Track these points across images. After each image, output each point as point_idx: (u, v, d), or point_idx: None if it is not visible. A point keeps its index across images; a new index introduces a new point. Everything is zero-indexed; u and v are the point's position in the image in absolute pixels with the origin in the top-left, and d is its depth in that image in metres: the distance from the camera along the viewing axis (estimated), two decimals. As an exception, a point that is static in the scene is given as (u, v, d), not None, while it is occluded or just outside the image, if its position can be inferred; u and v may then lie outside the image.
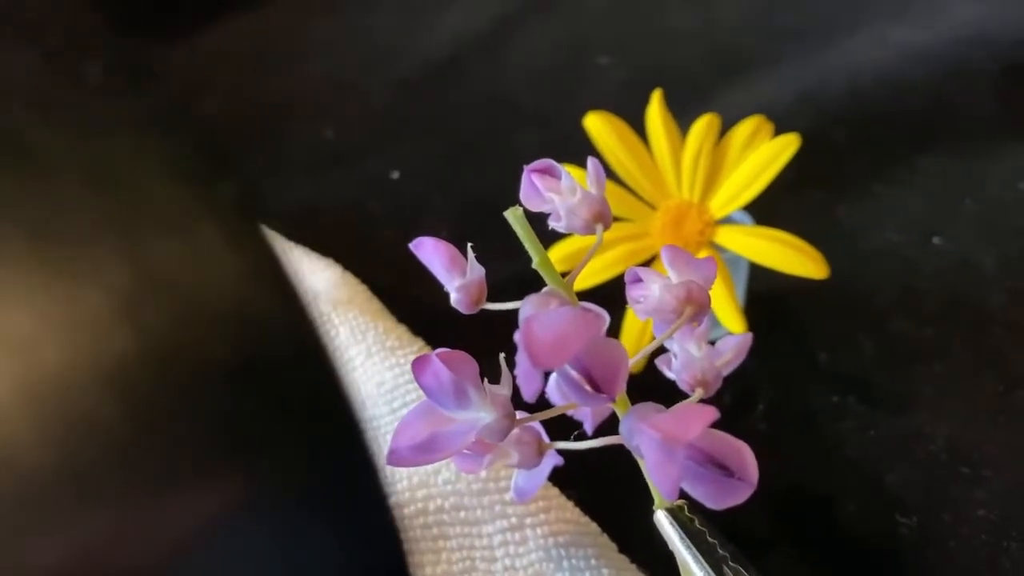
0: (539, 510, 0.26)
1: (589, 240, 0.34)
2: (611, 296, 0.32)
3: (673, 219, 0.33)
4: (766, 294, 0.37)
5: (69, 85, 0.12)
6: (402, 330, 0.33)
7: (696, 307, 0.22)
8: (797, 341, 0.37)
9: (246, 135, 0.52)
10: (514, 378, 0.20)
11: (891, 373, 0.35)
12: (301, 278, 0.36)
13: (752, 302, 0.37)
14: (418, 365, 0.20)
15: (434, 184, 0.47)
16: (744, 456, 0.19)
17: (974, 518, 0.30)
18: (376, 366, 0.31)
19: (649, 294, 0.23)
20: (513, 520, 0.26)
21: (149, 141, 0.12)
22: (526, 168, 0.24)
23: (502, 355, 0.21)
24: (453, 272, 0.23)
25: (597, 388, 0.18)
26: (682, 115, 0.49)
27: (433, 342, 0.35)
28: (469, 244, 0.23)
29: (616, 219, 0.34)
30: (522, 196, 0.24)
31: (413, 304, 0.38)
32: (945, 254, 0.40)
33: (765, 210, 0.35)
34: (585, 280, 0.34)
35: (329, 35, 0.59)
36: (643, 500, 0.23)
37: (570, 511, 0.27)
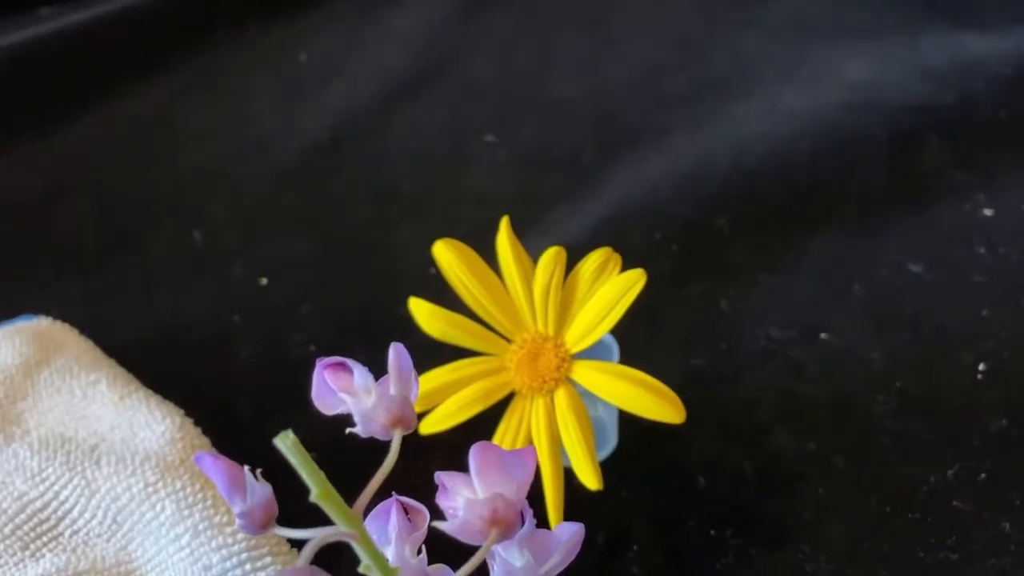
0: None
1: (453, 374, 0.32)
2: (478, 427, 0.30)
3: (529, 353, 0.31)
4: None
5: None
6: (235, 499, 0.30)
7: (502, 528, 0.20)
8: (675, 464, 0.35)
9: (113, 240, 0.49)
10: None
11: (772, 497, 0.33)
12: (135, 432, 0.33)
13: (627, 421, 0.35)
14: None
15: (305, 291, 0.44)
16: None
17: (856, 673, 0.28)
18: (203, 547, 0.28)
19: (456, 508, 0.21)
20: None
21: None
22: (318, 363, 0.22)
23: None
24: (234, 496, 0.20)
25: None
26: (566, 197, 0.47)
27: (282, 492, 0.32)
28: (247, 467, 0.21)
29: (473, 353, 0.32)
30: (314, 395, 0.22)
31: (267, 446, 0.35)
32: (831, 352, 0.38)
33: (643, 307, 0.33)
34: (440, 423, 0.32)
35: (202, 125, 0.56)
36: None
37: None
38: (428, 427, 0.32)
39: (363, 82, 0.59)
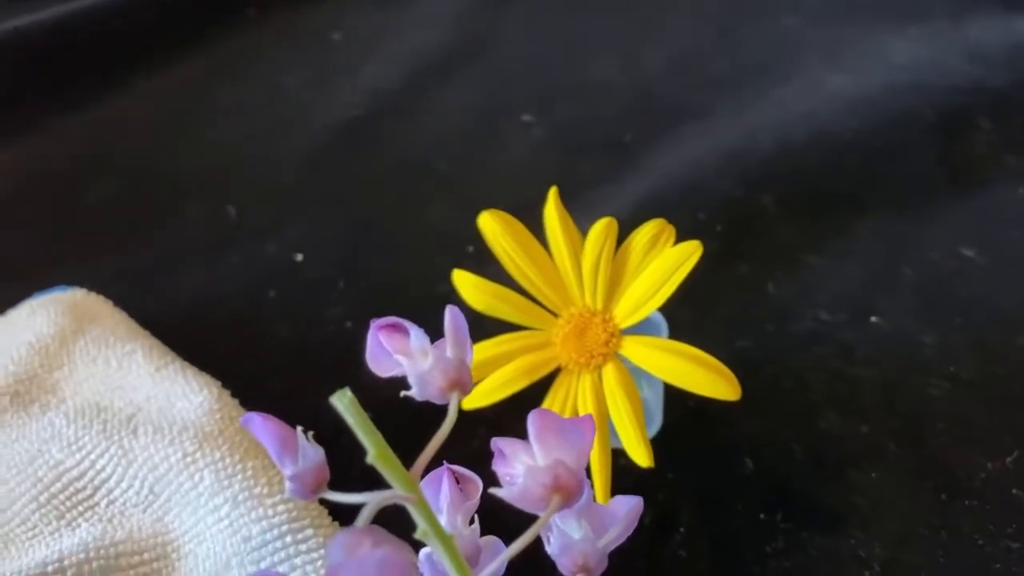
0: None
1: (497, 348, 0.31)
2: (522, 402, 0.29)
3: (576, 328, 0.30)
4: (687, 392, 0.34)
5: None
6: (275, 471, 0.29)
7: (564, 496, 0.19)
8: (721, 446, 0.34)
9: (145, 215, 0.48)
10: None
11: (823, 482, 0.32)
12: (172, 403, 0.32)
13: (673, 400, 0.34)
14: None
15: (340, 268, 0.43)
16: None
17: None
18: (243, 517, 0.28)
19: (514, 476, 0.20)
20: None
21: None
22: (373, 325, 0.21)
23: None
24: (284, 457, 0.20)
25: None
26: (607, 178, 0.46)
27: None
28: (299, 428, 0.20)
29: (518, 327, 0.31)
30: (368, 358, 0.21)
31: (309, 415, 0.34)
32: (881, 336, 0.37)
33: (687, 288, 0.32)
34: (483, 398, 0.31)
35: (235, 101, 0.56)
36: None
37: None
38: (470, 402, 0.31)
39: (396, 61, 0.58)
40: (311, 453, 0.20)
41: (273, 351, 0.40)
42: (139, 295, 0.42)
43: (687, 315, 0.35)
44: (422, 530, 0.19)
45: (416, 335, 0.20)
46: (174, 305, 0.42)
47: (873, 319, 0.38)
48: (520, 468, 0.20)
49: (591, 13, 0.60)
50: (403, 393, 0.21)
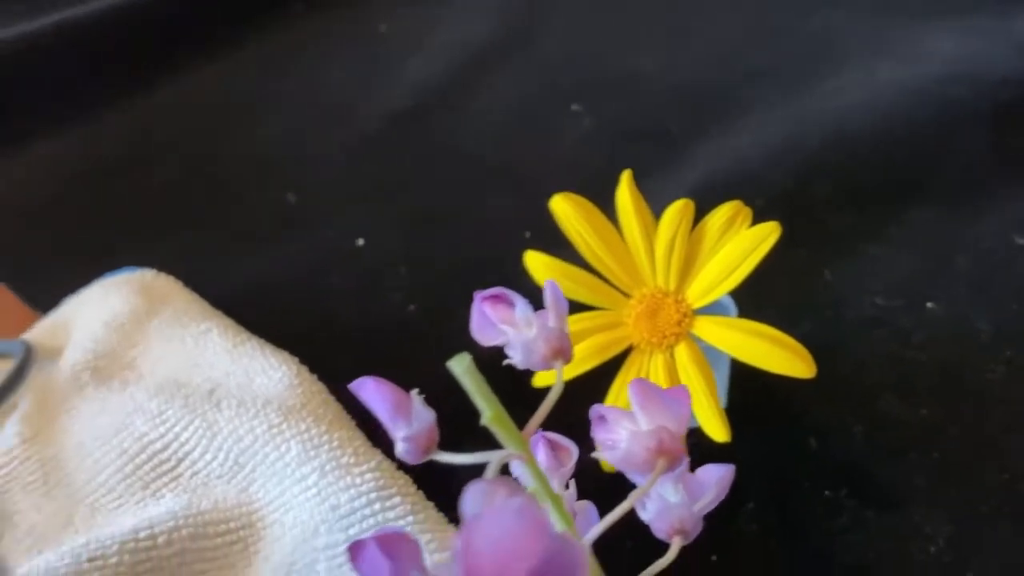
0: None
1: (574, 326, 0.32)
2: (586, 384, 0.30)
3: (648, 309, 0.31)
4: (751, 372, 0.35)
5: None
6: (359, 442, 0.30)
7: (669, 459, 0.20)
8: (786, 425, 0.34)
9: (206, 200, 0.50)
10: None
11: (885, 461, 0.33)
12: (251, 378, 0.33)
13: (736, 380, 0.35)
14: (354, 551, 0.18)
15: (400, 253, 0.44)
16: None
17: (981, 633, 0.28)
18: (331, 486, 0.28)
19: (617, 440, 0.21)
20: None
21: None
22: (477, 296, 0.22)
23: (452, 532, 0.18)
24: (398, 420, 0.21)
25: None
26: (657, 169, 0.47)
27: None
28: (415, 390, 0.21)
29: (589, 307, 0.32)
30: (473, 328, 0.22)
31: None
32: (938, 321, 0.37)
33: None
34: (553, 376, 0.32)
35: (290, 89, 0.57)
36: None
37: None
38: (542, 380, 0.32)
39: (444, 53, 0.59)
40: (424, 415, 0.21)
41: (337, 333, 0.41)
42: (202, 278, 0.42)
43: (746, 301, 0.36)
44: (532, 489, 0.20)
45: (521, 306, 0.21)
46: (237, 288, 0.43)
47: (929, 305, 0.38)
48: (623, 434, 0.21)
49: (637, 4, 0.61)
50: (506, 361, 0.22)
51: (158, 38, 0.59)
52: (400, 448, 0.21)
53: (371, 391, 0.21)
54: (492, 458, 0.19)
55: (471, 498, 0.16)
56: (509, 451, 0.19)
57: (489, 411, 0.19)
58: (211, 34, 0.61)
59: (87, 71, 0.58)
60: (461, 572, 0.14)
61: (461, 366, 0.19)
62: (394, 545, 0.18)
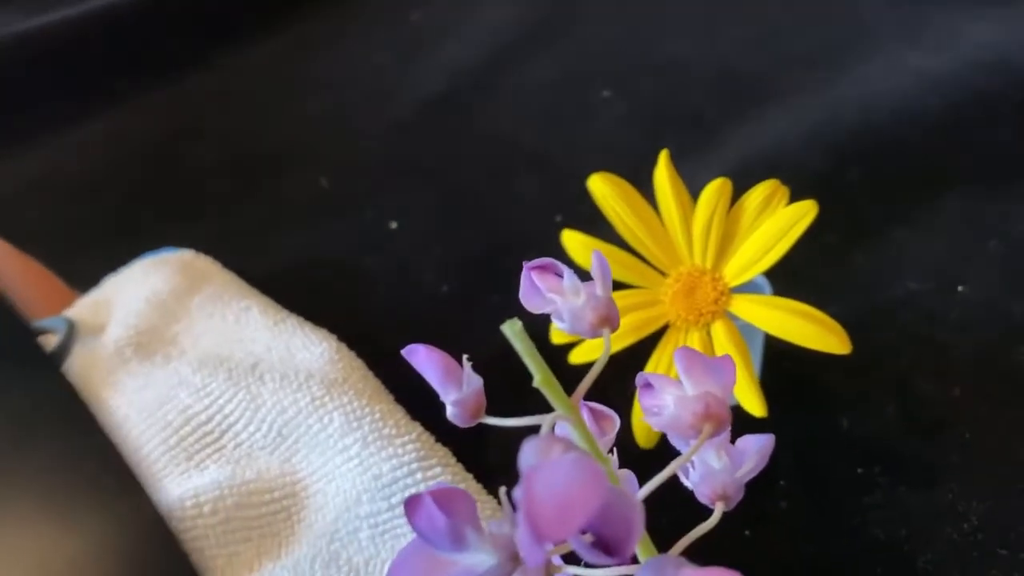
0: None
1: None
2: (621, 362, 0.30)
3: (685, 287, 0.31)
4: (783, 352, 0.35)
5: None
6: (400, 415, 0.31)
7: (715, 424, 0.20)
8: (817, 405, 0.35)
9: (241, 183, 0.50)
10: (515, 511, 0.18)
11: (918, 440, 0.33)
12: (292, 354, 0.34)
13: (769, 361, 0.35)
14: (410, 506, 0.18)
15: (433, 235, 0.45)
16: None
17: (1014, 608, 0.28)
18: (373, 456, 0.29)
19: (662, 406, 0.21)
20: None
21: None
22: (526, 265, 0.22)
23: (503, 490, 0.19)
24: (448, 385, 0.21)
25: (608, 551, 0.16)
26: (690, 153, 0.48)
27: (432, 415, 0.33)
28: (465, 356, 0.22)
29: (625, 285, 0.32)
30: (522, 296, 0.22)
31: (409, 374, 0.36)
32: (969, 304, 0.38)
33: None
34: (591, 353, 0.33)
35: (321, 75, 0.57)
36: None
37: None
38: (578, 357, 0.33)
39: (475, 40, 0.59)
40: (473, 380, 0.21)
41: (371, 314, 0.42)
42: (239, 259, 0.43)
43: (779, 284, 0.36)
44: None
45: (568, 275, 0.22)
46: (273, 269, 0.44)
47: (960, 289, 0.38)
48: (669, 400, 0.21)
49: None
50: (554, 328, 0.22)
51: (199, 24, 0.60)
52: (450, 411, 0.22)
53: (422, 357, 0.22)
54: (543, 420, 0.20)
55: (528, 452, 0.17)
56: (559, 413, 0.20)
57: (539, 374, 0.20)
58: (250, 21, 0.62)
59: (129, 54, 0.59)
60: (524, 518, 0.15)
61: (512, 330, 0.20)
62: (450, 500, 0.18)
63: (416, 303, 0.42)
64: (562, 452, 0.17)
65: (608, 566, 0.17)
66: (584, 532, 0.17)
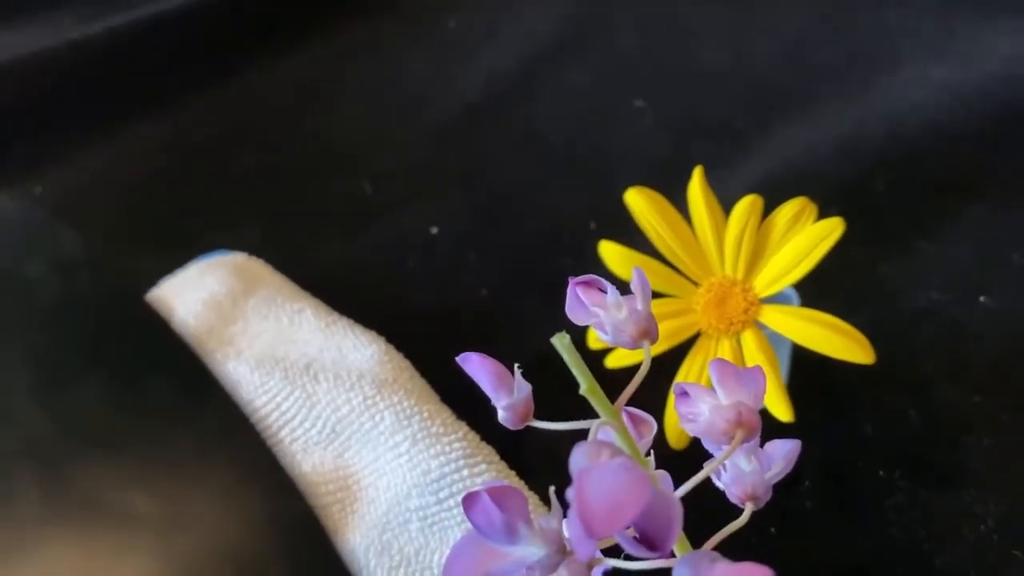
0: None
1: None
2: (654, 367, 0.32)
3: (717, 297, 0.33)
4: (810, 361, 0.37)
5: (134, 417, 0.12)
6: (447, 415, 0.33)
7: (747, 431, 0.22)
8: (842, 411, 0.36)
9: (285, 188, 0.52)
10: (564, 511, 0.20)
11: (938, 446, 0.35)
12: (344, 355, 0.36)
13: (796, 370, 0.37)
14: (468, 502, 0.20)
15: (471, 240, 0.47)
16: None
17: (1028, 606, 0.29)
18: (422, 453, 0.31)
19: (698, 413, 0.23)
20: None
21: (214, 475, 0.12)
22: (571, 281, 0.24)
23: (552, 489, 0.21)
24: (500, 391, 0.23)
25: (651, 546, 0.18)
26: (720, 164, 0.49)
27: (474, 416, 0.35)
28: (516, 364, 0.23)
29: (659, 295, 0.34)
30: (568, 309, 0.24)
31: (452, 375, 0.38)
32: (992, 315, 0.39)
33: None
34: (625, 358, 0.34)
35: (362, 82, 0.59)
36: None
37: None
38: (614, 361, 0.35)
39: (511, 49, 0.61)
40: (523, 386, 0.23)
41: (413, 316, 0.44)
42: (284, 261, 0.45)
43: (806, 293, 0.38)
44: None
45: (611, 291, 0.24)
46: (316, 273, 0.46)
47: (982, 299, 0.40)
48: (704, 407, 0.23)
49: (701, 2, 0.62)
50: (599, 338, 0.24)
51: (243, 32, 0.62)
52: (502, 415, 0.23)
53: (476, 364, 0.24)
54: (590, 425, 0.22)
55: (579, 455, 0.19)
56: (604, 419, 0.22)
57: (585, 383, 0.22)
58: (290, 30, 0.64)
59: (176, 60, 0.61)
60: (577, 515, 0.17)
61: (562, 343, 0.22)
62: (505, 497, 0.20)
63: (457, 306, 0.44)
64: (610, 456, 0.19)
65: (649, 559, 0.19)
66: (629, 528, 0.18)
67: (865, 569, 0.32)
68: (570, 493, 0.17)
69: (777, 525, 0.33)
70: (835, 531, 0.33)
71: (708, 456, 0.24)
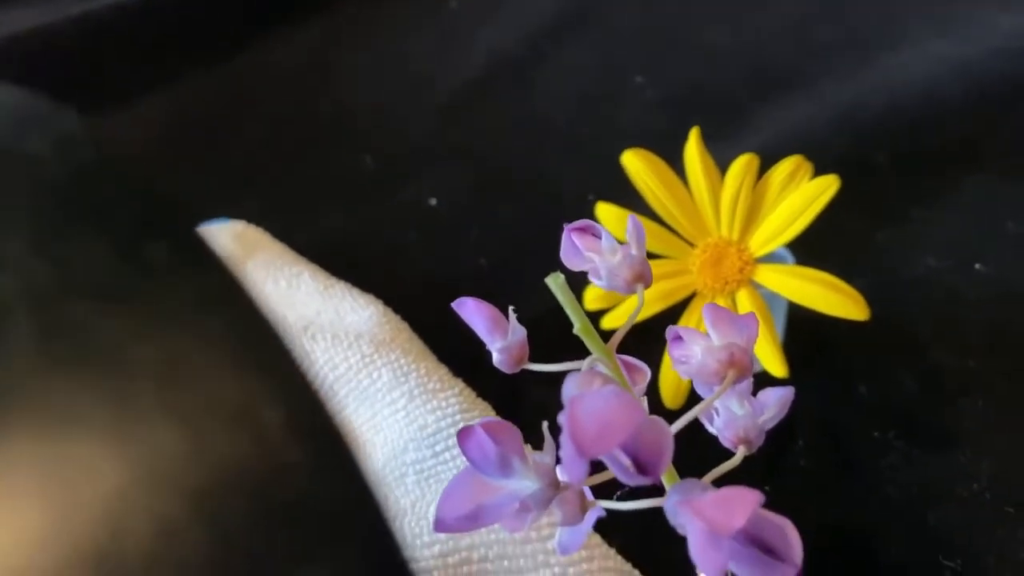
0: (582, 559, 0.27)
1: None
2: (649, 330, 0.32)
3: (712, 257, 0.33)
4: (805, 324, 0.37)
5: (133, 272, 0.13)
6: (443, 371, 0.33)
7: (738, 371, 0.22)
8: (837, 373, 0.37)
9: (286, 162, 0.53)
10: (558, 448, 0.21)
11: (933, 408, 0.35)
12: (341, 316, 0.36)
13: (791, 332, 0.37)
14: (463, 436, 0.20)
15: (471, 212, 0.47)
16: (788, 537, 0.19)
17: (1019, 561, 0.30)
18: (419, 409, 0.31)
19: (691, 356, 0.23)
20: (556, 569, 0.26)
21: (213, 329, 0.12)
22: (566, 227, 0.24)
23: (545, 423, 0.21)
24: (495, 334, 0.23)
25: (642, 470, 0.18)
26: (720, 137, 0.49)
27: (474, 376, 0.35)
28: (511, 307, 0.24)
29: (655, 256, 0.34)
30: (562, 255, 0.24)
31: (451, 337, 0.38)
32: (987, 281, 0.39)
33: (802, 237, 0.35)
34: (623, 318, 0.34)
35: (365, 58, 0.60)
36: (685, 548, 0.24)
37: (613, 559, 0.27)
38: (611, 322, 0.35)
39: (511, 27, 0.61)
40: (518, 329, 0.23)
41: (412, 284, 0.44)
42: (284, 232, 0.46)
43: (803, 259, 0.38)
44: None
45: (606, 236, 0.24)
46: (319, 242, 0.46)
47: (978, 266, 0.40)
48: (696, 350, 0.23)
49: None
50: (591, 283, 0.24)
51: (246, 7, 0.63)
52: (496, 358, 0.24)
53: (471, 308, 0.24)
54: (582, 364, 0.22)
55: (571, 384, 0.19)
56: (596, 357, 0.22)
57: (579, 322, 0.22)
58: (296, 5, 0.64)
59: (177, 36, 0.62)
60: (568, 436, 0.17)
61: (556, 282, 0.22)
62: (500, 431, 0.20)
63: (455, 274, 0.44)
64: (602, 384, 0.19)
65: (640, 485, 0.19)
66: (621, 454, 0.19)
67: (860, 527, 0.32)
68: (561, 418, 0.18)
69: (771, 482, 0.33)
70: (829, 489, 0.33)
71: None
